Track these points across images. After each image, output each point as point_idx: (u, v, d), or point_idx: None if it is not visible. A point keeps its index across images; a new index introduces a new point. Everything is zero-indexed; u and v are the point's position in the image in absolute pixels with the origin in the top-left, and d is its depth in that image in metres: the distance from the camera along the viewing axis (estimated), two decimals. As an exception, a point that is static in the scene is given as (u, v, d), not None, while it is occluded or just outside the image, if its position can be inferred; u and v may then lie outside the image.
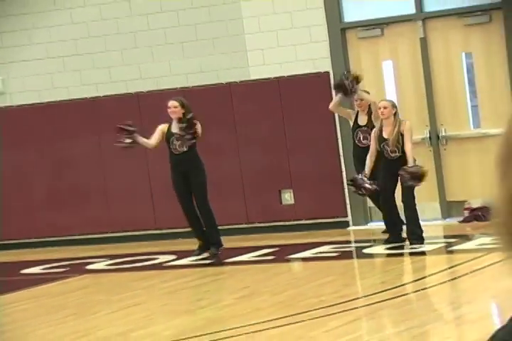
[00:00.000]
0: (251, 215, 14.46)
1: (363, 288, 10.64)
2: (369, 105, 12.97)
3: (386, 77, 14.36)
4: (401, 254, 12.48)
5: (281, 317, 9.00)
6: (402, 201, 12.42)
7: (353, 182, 12.55)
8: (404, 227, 12.56)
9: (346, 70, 13.27)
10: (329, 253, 12.59)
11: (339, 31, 14.28)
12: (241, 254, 12.96)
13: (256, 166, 14.28)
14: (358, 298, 9.74)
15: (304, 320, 8.86)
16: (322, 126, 13.78)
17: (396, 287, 10.37)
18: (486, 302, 9.42)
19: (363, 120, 13.10)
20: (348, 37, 14.39)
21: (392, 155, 12.25)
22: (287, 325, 8.78)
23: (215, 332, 8.73)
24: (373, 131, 12.45)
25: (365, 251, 12.67)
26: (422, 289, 10.25)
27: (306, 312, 9.13)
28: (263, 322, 8.92)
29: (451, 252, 12.05)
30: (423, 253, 12.24)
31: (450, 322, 8.75)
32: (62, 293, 11.80)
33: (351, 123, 13.22)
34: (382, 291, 9.97)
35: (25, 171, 15.37)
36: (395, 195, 12.40)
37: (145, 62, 14.88)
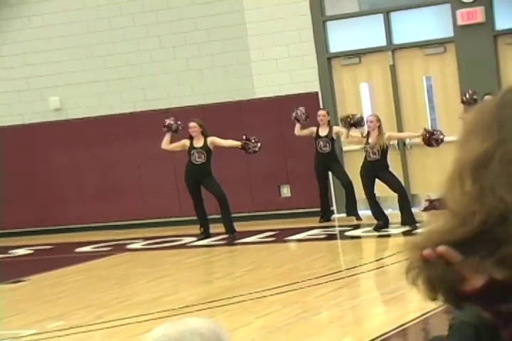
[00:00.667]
0: (256, 205, 14.43)
1: (345, 262, 10.62)
2: (329, 120, 13.31)
3: (363, 96, 14.35)
4: (374, 236, 12.43)
5: (280, 286, 9.02)
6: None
7: None
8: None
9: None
10: (318, 236, 12.58)
11: (326, 59, 14.27)
12: (248, 236, 12.90)
13: (260, 166, 14.25)
14: (341, 271, 9.73)
15: (298, 288, 8.89)
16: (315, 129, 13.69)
17: (371, 262, 10.43)
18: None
19: (323, 131, 13.32)
20: (333, 64, 14.38)
21: (373, 156, 12.40)
22: (285, 292, 8.80)
23: (229, 297, 8.76)
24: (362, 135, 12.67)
25: (346, 233, 12.65)
26: (392, 264, 10.09)
27: (300, 282, 9.16)
28: (266, 289, 8.93)
29: (413, 234, 12.04)
30: (390, 235, 12.23)
31: (413, 289, 8.78)
32: (107, 267, 11.82)
33: (314, 136, 13.39)
34: (361, 265, 10.05)
35: (79, 170, 15.34)
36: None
37: (172, 85, 14.87)
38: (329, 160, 13.39)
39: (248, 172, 14.31)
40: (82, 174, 15.39)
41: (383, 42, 14.06)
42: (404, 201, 12.45)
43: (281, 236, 12.72)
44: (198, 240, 13.03)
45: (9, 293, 10.72)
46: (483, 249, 1.22)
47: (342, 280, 9.21)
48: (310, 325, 7.46)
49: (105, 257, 12.47)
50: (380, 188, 12.64)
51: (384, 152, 12.36)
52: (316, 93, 14.21)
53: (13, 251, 13.99)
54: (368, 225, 12.88)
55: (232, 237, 12.94)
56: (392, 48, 14.04)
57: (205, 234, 13.17)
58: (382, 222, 12.36)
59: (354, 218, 13.36)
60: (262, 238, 12.80)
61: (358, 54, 14.24)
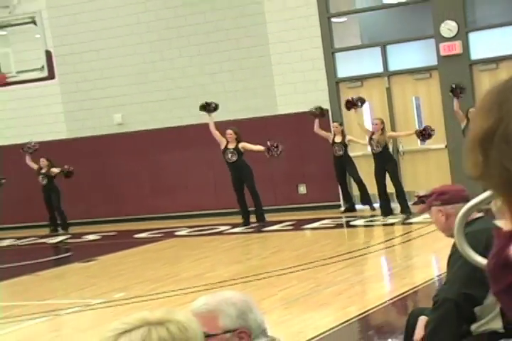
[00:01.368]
0: (278, 201, 14.40)
1: (350, 246, 10.57)
2: (342, 130, 13.32)
3: (365, 112, 14.27)
4: (374, 225, 12.40)
5: (298, 265, 9.02)
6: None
7: None
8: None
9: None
10: (328, 225, 12.54)
11: (334, 83, 14.27)
12: (272, 225, 12.88)
13: (281, 169, 14.24)
14: (347, 253, 9.69)
15: (312, 267, 8.87)
16: (324, 143, 13.58)
17: (371, 246, 10.42)
18: (428, 255, 9.38)
19: (338, 138, 13.35)
20: (340, 87, 14.36)
21: (376, 149, 12.51)
22: (302, 270, 8.80)
23: (257, 274, 8.76)
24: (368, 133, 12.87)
25: (351, 223, 12.62)
26: (389, 247, 10.22)
27: (314, 262, 9.14)
28: (286, 268, 8.92)
29: (407, 224, 11.96)
30: (389, 224, 12.17)
31: (406, 268, 8.71)
32: (159, 250, 11.80)
33: (330, 141, 13.40)
34: (363, 248, 10.02)
35: (137, 172, 15.37)
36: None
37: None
38: (344, 162, 13.38)
39: (272, 173, 14.31)
40: (140, 175, 15.43)
41: (381, 69, 14.03)
42: (400, 193, 12.55)
43: (298, 225, 12.72)
44: (243, 226, 13.01)
45: (82, 269, 10.79)
46: None
47: (348, 260, 9.21)
48: (322, 297, 7.45)
49: (158, 242, 12.50)
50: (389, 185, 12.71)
51: (385, 147, 12.56)
52: (327, 110, 14.19)
53: (85, 236, 14.08)
54: (370, 216, 12.89)
55: (262, 225, 12.96)
56: (388, 74, 14.01)
57: (246, 223, 13.16)
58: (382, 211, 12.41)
59: (369, 207, 13.32)
60: (283, 227, 12.78)
61: (360, 79, 14.22)
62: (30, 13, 12.18)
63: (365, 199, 13.39)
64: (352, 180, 13.60)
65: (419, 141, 13.04)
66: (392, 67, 13.99)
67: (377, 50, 14.03)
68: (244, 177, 13.08)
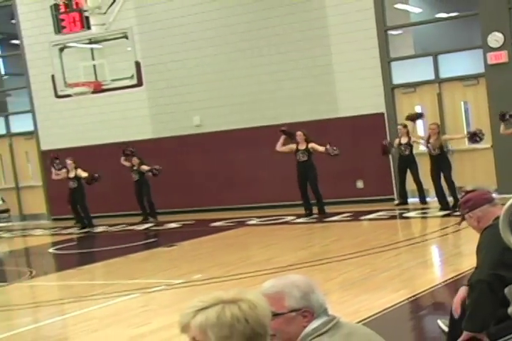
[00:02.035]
0: (338, 194, 14.35)
1: (404, 235, 10.47)
2: (407, 131, 13.13)
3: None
4: (425, 217, 12.24)
5: (355, 252, 8.94)
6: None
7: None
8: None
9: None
10: (383, 216, 12.43)
11: (390, 89, 14.14)
12: (333, 216, 12.83)
13: (342, 166, 14.15)
14: (401, 241, 9.62)
15: (368, 254, 8.78)
16: (379, 143, 13.47)
17: (423, 235, 10.33)
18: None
19: (404, 140, 13.19)
20: (395, 92, 14.21)
21: (433, 152, 12.38)
22: (359, 256, 8.71)
23: (319, 259, 8.75)
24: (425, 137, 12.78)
25: (404, 215, 12.49)
26: (439, 236, 10.08)
27: (370, 249, 9.06)
28: (346, 254, 8.87)
29: (455, 216, 11.84)
30: (439, 216, 11.96)
31: (454, 255, 8.61)
32: (232, 237, 11.83)
33: (397, 142, 13.27)
34: (415, 237, 9.94)
35: (213, 168, 15.45)
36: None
37: (281, 107, 14.85)
38: (408, 161, 13.23)
39: (333, 170, 14.24)
40: (216, 171, 15.50)
41: (432, 77, 13.85)
42: (452, 191, 12.37)
43: (356, 216, 12.64)
44: (306, 216, 13.00)
45: (165, 253, 10.93)
46: None
47: (401, 248, 9.12)
48: (377, 280, 7.41)
49: (231, 230, 12.54)
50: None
51: (442, 149, 12.39)
52: (383, 113, 14.07)
53: (168, 225, 14.26)
54: (421, 209, 12.73)
55: (322, 217, 12.97)
56: (439, 81, 13.82)
57: (308, 214, 13.17)
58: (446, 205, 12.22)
59: (421, 202, 13.18)
60: (343, 217, 12.72)
61: (414, 85, 14.06)
62: (122, 29, 12.41)
63: (422, 195, 13.25)
64: (412, 178, 13.39)
65: (466, 141, 12.82)
66: (443, 74, 13.79)
67: (429, 59, 13.85)
68: (309, 175, 13.08)
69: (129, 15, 15.29)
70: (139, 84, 12.73)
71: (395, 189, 13.99)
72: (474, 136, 12.25)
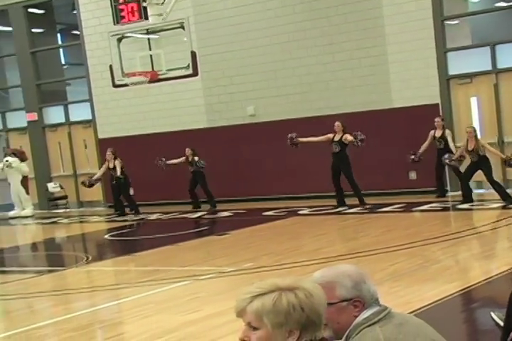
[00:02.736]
0: (390, 185, 14.23)
1: (455, 227, 10.32)
2: (443, 125, 13.06)
3: (473, 107, 13.95)
4: (478, 209, 12.03)
5: (407, 243, 8.85)
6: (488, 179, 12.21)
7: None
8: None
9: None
10: (436, 208, 12.28)
11: (445, 80, 13.94)
12: (384, 207, 12.72)
13: (395, 157, 14.05)
14: (453, 233, 9.45)
15: (420, 245, 8.68)
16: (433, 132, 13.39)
17: (476, 227, 10.16)
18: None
19: (438, 133, 13.04)
20: (451, 83, 14.01)
21: (473, 159, 12.09)
22: (410, 247, 8.62)
23: (369, 250, 8.67)
24: (462, 146, 12.37)
25: (457, 206, 12.30)
26: (492, 229, 9.90)
27: (422, 240, 8.96)
28: (397, 245, 8.78)
29: (509, 209, 11.59)
30: (493, 208, 11.79)
31: (507, 249, 8.46)
32: (283, 226, 11.84)
33: (432, 136, 13.16)
34: (468, 230, 9.77)
35: (264, 157, 15.45)
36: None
37: (332, 98, 14.80)
38: (443, 153, 13.04)
39: (385, 160, 14.13)
40: (268, 161, 15.51)
41: (489, 67, 13.60)
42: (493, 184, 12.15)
43: (408, 208, 12.51)
44: (338, 207, 12.93)
45: (217, 242, 10.98)
46: None
47: (453, 240, 8.99)
48: (428, 272, 7.32)
49: (282, 219, 12.54)
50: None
51: (478, 154, 12.03)
52: (437, 104, 13.87)
53: (220, 213, 14.34)
54: (476, 200, 12.52)
55: (364, 206, 12.87)
56: (496, 71, 13.57)
57: (340, 204, 13.12)
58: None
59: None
60: (394, 208, 12.61)
61: (470, 76, 13.82)
62: (179, 20, 12.47)
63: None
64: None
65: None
66: (501, 65, 13.53)
67: (487, 49, 13.59)
68: (342, 167, 13.06)
69: (185, 6, 15.37)
70: (195, 74, 12.79)
71: (448, 180, 13.78)
72: (509, 162, 11.94)
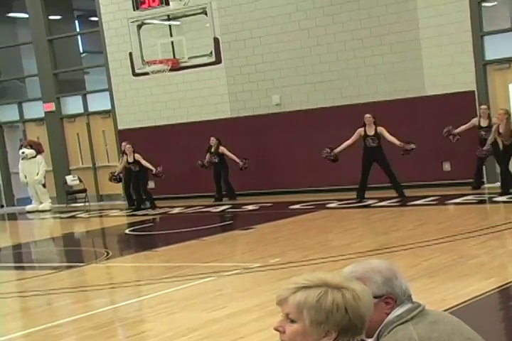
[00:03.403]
0: (423, 177, 14.13)
1: (493, 221, 10.16)
2: (489, 114, 12.81)
3: (511, 94, 13.81)
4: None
5: (441, 238, 8.81)
6: None
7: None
8: None
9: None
10: (472, 200, 12.18)
11: (482, 65, 13.80)
12: (417, 200, 12.63)
13: (428, 147, 13.95)
14: (490, 227, 9.33)
15: (455, 240, 8.59)
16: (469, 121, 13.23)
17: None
18: None
19: (484, 123, 12.88)
20: (488, 69, 13.88)
21: (506, 142, 11.98)
22: (445, 242, 8.57)
23: (401, 245, 8.61)
24: (494, 128, 12.16)
25: (494, 199, 12.20)
26: None
27: (457, 235, 8.89)
28: (431, 240, 8.73)
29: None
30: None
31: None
32: (311, 220, 11.81)
33: (476, 125, 12.97)
34: (505, 223, 9.65)
35: (292, 148, 15.47)
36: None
37: (362, 85, 14.75)
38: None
39: (417, 151, 13.98)
40: (295, 152, 15.51)
41: (528, 52, 13.42)
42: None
43: (442, 200, 12.41)
44: (357, 202, 12.90)
45: (242, 236, 11.01)
46: None
47: (489, 234, 8.90)
48: (464, 268, 7.26)
49: (310, 213, 12.52)
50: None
51: None
52: (473, 91, 13.74)
53: (245, 207, 14.35)
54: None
55: (403, 198, 12.82)
56: (535, 56, 13.38)
57: (361, 197, 13.10)
58: None
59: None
60: (428, 201, 12.52)
61: (508, 61, 13.66)
62: (202, 5, 12.47)
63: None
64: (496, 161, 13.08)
65: None
66: (539, 50, 13.34)
67: (527, 32, 13.43)
68: (380, 161, 13.01)
69: (207, -10, 15.35)
70: (218, 61, 12.80)
71: (485, 172, 13.66)
72: None
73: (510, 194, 12.07)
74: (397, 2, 14.20)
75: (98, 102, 18.20)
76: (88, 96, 18.60)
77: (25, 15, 18.99)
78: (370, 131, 13.05)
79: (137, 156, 15.41)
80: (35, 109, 19.08)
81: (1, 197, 19.98)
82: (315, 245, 9.30)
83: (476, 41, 13.67)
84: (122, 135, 17.10)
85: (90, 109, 18.49)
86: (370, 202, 13.08)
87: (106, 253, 10.32)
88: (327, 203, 13.42)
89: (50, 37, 18.64)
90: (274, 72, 15.56)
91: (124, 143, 16.00)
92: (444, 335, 2.19)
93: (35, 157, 17.78)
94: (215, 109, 16.32)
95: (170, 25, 13.77)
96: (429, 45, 14.00)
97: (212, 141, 15.31)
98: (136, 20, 12.99)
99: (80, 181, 18.42)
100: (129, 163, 15.53)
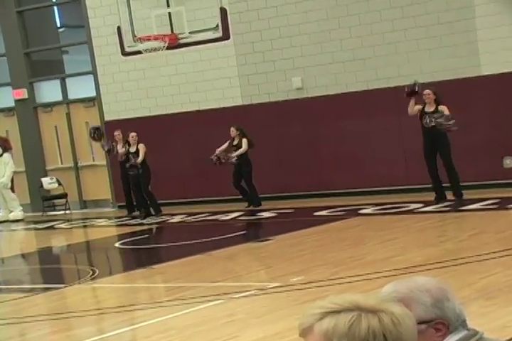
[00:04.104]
0: (479, 175, 14.03)
1: None
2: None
3: None
4: None
5: (502, 250, 8.74)
6: None
7: None
8: None
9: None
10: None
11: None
12: (472, 204, 12.59)
13: (484, 138, 13.92)
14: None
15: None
16: None
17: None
18: None
19: (429, 108, 12.85)
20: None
21: None
22: (507, 255, 8.53)
23: (453, 259, 8.61)
24: None
25: None
26: None
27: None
28: (489, 253, 8.69)
29: None
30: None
31: None
32: (342, 229, 11.85)
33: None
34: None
35: (316, 142, 15.47)
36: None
37: (402, 64, 14.74)
38: None
39: (472, 143, 13.99)
40: (320, 146, 15.53)
41: None
42: None
43: (503, 204, 12.35)
44: (436, 203, 12.90)
45: (258, 250, 11.06)
46: None
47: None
48: (530, 288, 7.28)
49: (340, 221, 12.54)
50: None
51: None
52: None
53: (260, 213, 14.39)
54: None
55: (460, 201, 12.82)
56: None
57: (439, 199, 13.05)
58: None
59: None
60: (485, 205, 12.48)
61: None
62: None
63: None
64: None
65: None
66: None
67: None
68: (440, 146, 12.89)
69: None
70: (225, 36, 12.82)
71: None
72: None
73: None
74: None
75: (80, 88, 18.31)
76: (68, 80, 18.71)
77: (-9, -17, 19.10)
78: (430, 108, 13.04)
79: (141, 146, 15.41)
80: (3, 97, 19.21)
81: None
82: (346, 260, 9.34)
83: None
84: (110, 127, 17.17)
85: (70, 97, 18.60)
86: (412, 206, 13.09)
87: (91, 272, 10.37)
88: (360, 208, 13.44)
89: (20, 8, 18.72)
90: (294, 50, 15.58)
91: (116, 133, 16.01)
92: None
93: (1, 155, 17.83)
94: (222, 95, 16.36)
95: (166, -7, 13.82)
96: (485, 13, 13.99)
97: (233, 131, 15.24)
98: (126, -13, 13.05)
99: (59, 184, 18.51)
100: (130, 153, 15.55)
